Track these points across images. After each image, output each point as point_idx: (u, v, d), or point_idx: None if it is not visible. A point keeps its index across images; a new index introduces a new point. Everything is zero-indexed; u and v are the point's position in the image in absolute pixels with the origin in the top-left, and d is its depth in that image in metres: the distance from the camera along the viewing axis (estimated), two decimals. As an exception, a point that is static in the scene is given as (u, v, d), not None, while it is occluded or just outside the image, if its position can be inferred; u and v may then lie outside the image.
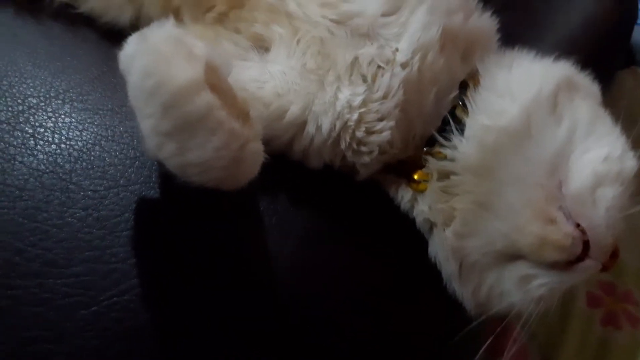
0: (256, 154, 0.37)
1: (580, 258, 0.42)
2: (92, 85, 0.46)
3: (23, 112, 0.42)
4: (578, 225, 0.41)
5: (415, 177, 0.48)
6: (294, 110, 0.44)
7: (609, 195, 0.41)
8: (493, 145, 0.44)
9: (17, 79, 0.44)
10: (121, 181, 0.41)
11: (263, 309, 0.40)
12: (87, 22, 0.52)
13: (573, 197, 0.42)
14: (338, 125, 0.45)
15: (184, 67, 0.33)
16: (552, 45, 0.71)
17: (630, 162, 0.43)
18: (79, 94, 0.45)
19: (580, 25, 0.83)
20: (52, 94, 0.44)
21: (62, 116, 0.43)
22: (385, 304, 0.46)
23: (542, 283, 0.43)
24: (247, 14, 0.49)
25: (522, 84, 0.46)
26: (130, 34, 0.36)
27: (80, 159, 0.41)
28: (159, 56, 0.33)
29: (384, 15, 0.46)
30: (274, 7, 0.48)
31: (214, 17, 0.50)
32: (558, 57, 0.50)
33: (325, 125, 0.45)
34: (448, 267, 0.46)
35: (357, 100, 0.44)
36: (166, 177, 0.40)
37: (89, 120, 0.43)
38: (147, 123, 0.34)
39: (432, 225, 0.47)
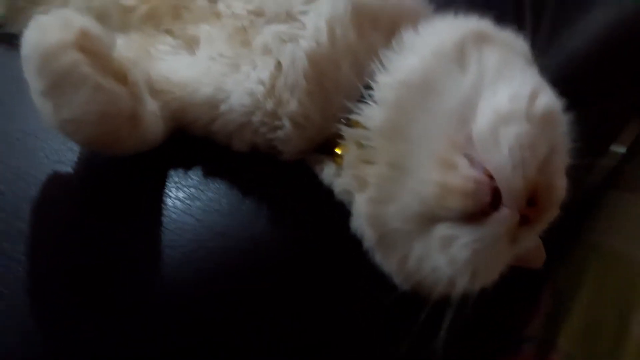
0: (135, 117, 0.39)
1: (495, 207, 0.37)
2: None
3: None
4: (488, 173, 0.37)
5: (338, 150, 0.47)
6: (207, 91, 0.47)
7: (511, 133, 0.37)
8: (397, 102, 0.42)
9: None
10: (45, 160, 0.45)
11: (165, 281, 0.40)
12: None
13: (476, 140, 0.38)
14: (248, 100, 0.46)
15: (55, 33, 0.37)
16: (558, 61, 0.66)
17: (544, 99, 0.39)
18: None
19: (596, 38, 0.74)
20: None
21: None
22: (302, 280, 0.43)
23: (464, 242, 0.38)
24: (182, 18, 0.53)
25: (425, 39, 0.44)
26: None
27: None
28: (39, 28, 0.38)
29: (303, 3, 0.48)
30: (205, 9, 0.52)
31: (165, 31, 0.55)
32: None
33: (236, 101, 0.46)
34: (368, 237, 0.43)
35: (265, 74, 0.46)
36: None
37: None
38: (31, 88, 0.38)
39: (350, 195, 0.45)
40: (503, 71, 0.41)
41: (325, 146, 0.48)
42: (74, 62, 0.37)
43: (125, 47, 0.51)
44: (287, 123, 0.46)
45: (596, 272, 0.77)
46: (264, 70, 0.46)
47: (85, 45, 0.38)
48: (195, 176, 0.46)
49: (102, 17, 0.57)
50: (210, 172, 0.46)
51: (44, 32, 0.37)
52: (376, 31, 0.48)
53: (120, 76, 0.39)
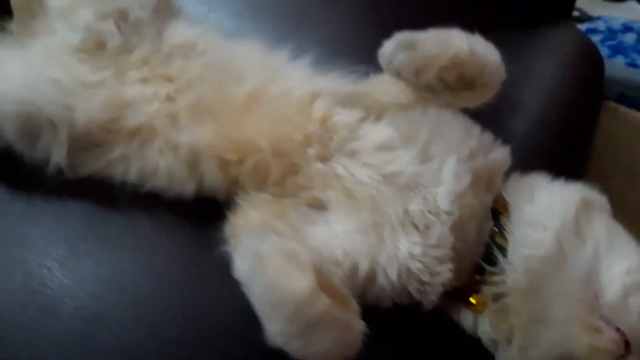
0: (359, 332, 0.44)
1: (624, 355, 0.50)
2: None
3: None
4: (618, 329, 0.50)
5: (473, 301, 0.56)
6: (363, 267, 0.52)
7: (638, 302, 0.50)
8: (536, 270, 0.52)
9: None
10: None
11: None
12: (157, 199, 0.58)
13: (609, 307, 0.50)
14: (405, 273, 0.52)
15: (299, 279, 0.40)
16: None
17: None
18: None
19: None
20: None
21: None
22: None
23: None
24: (302, 180, 0.56)
25: (548, 213, 0.55)
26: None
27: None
28: (276, 271, 0.40)
29: (420, 163, 0.55)
30: (324, 172, 0.56)
31: (273, 183, 0.57)
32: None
33: (393, 275, 0.52)
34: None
35: (417, 250, 0.52)
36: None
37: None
38: (274, 327, 0.41)
39: (496, 342, 0.55)
40: (612, 243, 0.53)
41: (454, 293, 0.57)
42: (326, 309, 0.40)
43: (262, 216, 0.53)
44: (440, 289, 0.53)
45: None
46: (411, 243, 0.52)
47: (321, 282, 0.42)
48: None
49: (193, 165, 0.57)
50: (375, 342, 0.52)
51: (285, 278, 0.40)
52: (481, 186, 0.57)
53: (346, 300, 0.44)
